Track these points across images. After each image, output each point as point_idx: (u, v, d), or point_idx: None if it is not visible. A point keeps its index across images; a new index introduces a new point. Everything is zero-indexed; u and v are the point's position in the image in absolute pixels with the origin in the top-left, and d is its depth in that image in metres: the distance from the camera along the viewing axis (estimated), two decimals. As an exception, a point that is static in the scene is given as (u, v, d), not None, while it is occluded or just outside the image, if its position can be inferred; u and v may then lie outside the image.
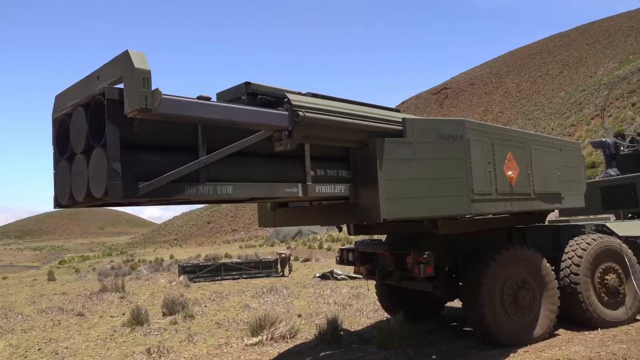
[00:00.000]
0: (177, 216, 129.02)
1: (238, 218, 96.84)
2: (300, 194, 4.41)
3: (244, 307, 10.37)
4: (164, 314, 9.82)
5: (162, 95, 3.13)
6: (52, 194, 3.86)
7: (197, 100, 3.53)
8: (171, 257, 37.71)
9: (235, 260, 21.05)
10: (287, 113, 4.09)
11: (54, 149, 3.87)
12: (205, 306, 10.90)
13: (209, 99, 3.79)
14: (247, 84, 4.27)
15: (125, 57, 3.08)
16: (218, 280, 17.09)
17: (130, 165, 3.34)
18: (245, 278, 17.36)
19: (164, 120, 3.42)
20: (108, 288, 14.73)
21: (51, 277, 22.90)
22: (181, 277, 16.54)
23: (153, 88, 3.07)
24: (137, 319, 8.86)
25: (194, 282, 16.57)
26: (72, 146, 3.61)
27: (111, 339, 7.99)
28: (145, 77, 3.00)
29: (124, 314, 10.30)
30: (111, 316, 10.40)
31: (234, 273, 17.57)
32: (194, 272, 17.29)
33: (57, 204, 3.82)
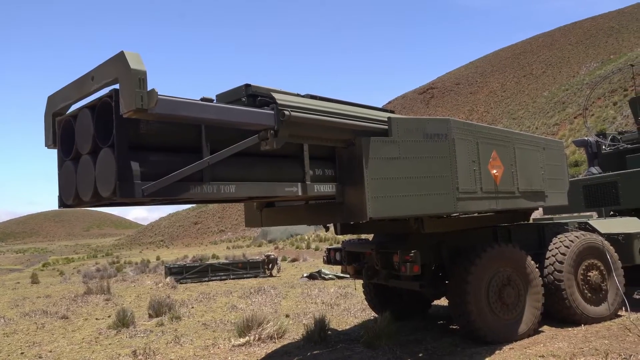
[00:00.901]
0: (163, 217, 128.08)
1: (225, 219, 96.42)
2: (300, 193, 4.51)
3: (231, 308, 10.33)
4: (150, 316, 9.73)
5: (158, 96, 3.16)
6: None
7: (190, 100, 3.55)
8: (158, 258, 37.42)
9: (222, 261, 20.97)
10: (272, 112, 4.09)
11: (57, 150, 3.92)
12: (192, 307, 10.84)
13: (211, 100, 3.88)
14: (247, 85, 4.31)
15: (120, 57, 3.10)
16: (205, 281, 17.01)
17: (138, 165, 3.41)
18: (232, 279, 17.31)
19: (159, 120, 3.46)
20: (93, 290, 14.56)
21: (35, 280, 22.58)
22: (168, 279, 16.43)
23: (148, 88, 3.10)
24: (123, 321, 8.78)
25: (181, 283, 16.46)
26: (77, 147, 3.66)
27: (96, 342, 7.89)
28: (141, 77, 3.03)
29: (109, 316, 10.19)
30: (96, 319, 10.28)
31: (222, 274, 17.51)
32: (181, 273, 17.19)
33: (62, 203, 3.88)
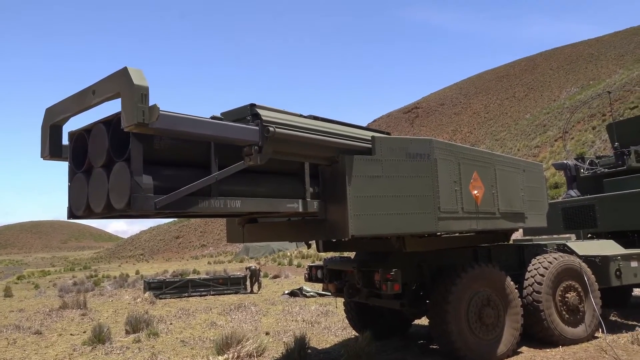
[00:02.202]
0: (144, 230, 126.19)
1: (207, 233, 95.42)
2: (301, 209, 4.70)
3: (211, 325, 10.17)
4: (127, 332, 9.52)
5: (160, 111, 3.27)
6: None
7: (186, 116, 3.66)
8: (137, 272, 36.74)
9: (203, 276, 20.69)
10: (257, 128, 4.12)
11: (69, 162, 4.09)
12: (171, 324, 10.64)
13: (221, 119, 4.14)
14: (252, 105, 4.44)
15: (124, 73, 3.20)
16: (185, 296, 16.75)
17: (150, 179, 3.59)
18: (213, 295, 17.07)
19: (158, 134, 3.58)
20: (69, 304, 14.21)
21: (8, 293, 21.93)
22: (146, 294, 16.14)
23: (141, 104, 3.17)
24: (99, 337, 8.57)
25: (160, 298, 16.18)
26: (90, 160, 3.82)
27: (70, 359, 7.68)
28: (143, 93, 3.14)
29: (84, 332, 9.95)
30: (71, 334, 10.02)
31: (202, 289, 17.26)
32: (160, 288, 16.91)
33: (72, 215, 4.03)
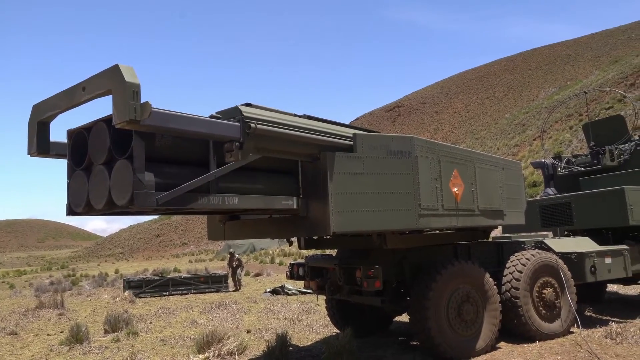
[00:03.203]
0: (124, 229, 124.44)
1: (188, 231, 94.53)
2: (295, 207, 4.83)
3: (192, 323, 10.09)
4: (106, 331, 9.38)
5: (152, 108, 3.31)
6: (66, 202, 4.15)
7: (175, 113, 3.70)
8: (116, 271, 36.24)
9: (184, 274, 20.51)
10: (238, 124, 4.10)
11: (67, 160, 4.15)
12: (151, 322, 10.53)
13: (219, 117, 4.23)
14: (247, 104, 4.51)
15: (115, 70, 3.23)
16: (165, 295, 16.60)
17: (152, 176, 3.70)
18: (194, 293, 16.96)
19: (149, 130, 3.60)
20: (45, 304, 13.93)
21: (-18, 293, 21.42)
22: (126, 293, 15.93)
23: (133, 101, 3.21)
24: (77, 337, 8.42)
25: (140, 297, 16.00)
26: (90, 158, 3.90)
27: (47, 359, 7.54)
28: (135, 90, 3.17)
29: (62, 332, 9.77)
30: (48, 334, 9.83)
31: (183, 288, 17.13)
32: (140, 287, 16.72)
33: (71, 211, 4.10)
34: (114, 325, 9.44)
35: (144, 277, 19.48)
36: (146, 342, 8.32)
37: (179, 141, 4.02)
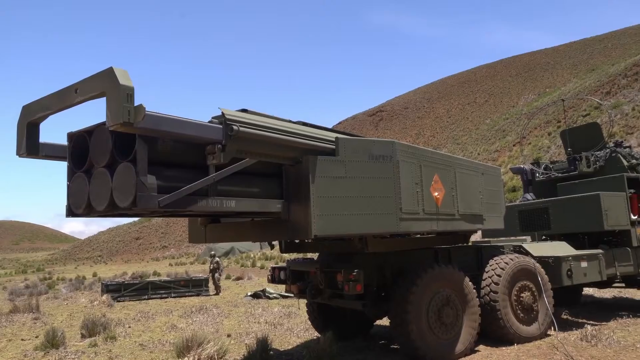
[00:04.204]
0: (102, 231, 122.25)
1: (169, 234, 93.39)
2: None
3: (171, 328, 9.97)
4: (83, 336, 9.21)
5: (146, 111, 3.36)
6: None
7: (167, 115, 3.75)
8: (94, 274, 35.61)
9: (164, 278, 20.26)
10: (221, 126, 4.09)
11: (68, 162, 4.25)
12: (129, 327, 10.37)
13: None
14: (244, 110, 4.61)
15: (109, 73, 3.26)
16: (145, 299, 16.37)
17: (154, 179, 3.81)
18: (173, 297, 16.76)
19: (143, 133, 3.65)
20: (20, 308, 13.60)
21: (-46, 297, 20.82)
22: (104, 296, 15.66)
23: (127, 104, 3.24)
24: (52, 342, 8.25)
25: (118, 301, 15.75)
26: (92, 160, 4.00)
27: (20, 364, 7.37)
28: (129, 93, 3.21)
29: (37, 337, 9.56)
30: (22, 339, 9.60)
31: (162, 292, 16.91)
32: (119, 290, 16.46)
33: (71, 213, 4.19)
34: (91, 329, 9.27)
35: (123, 280, 19.20)
36: (124, 347, 8.19)
37: (179, 145, 4.12)
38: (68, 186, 4.21)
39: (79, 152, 4.16)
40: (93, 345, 8.36)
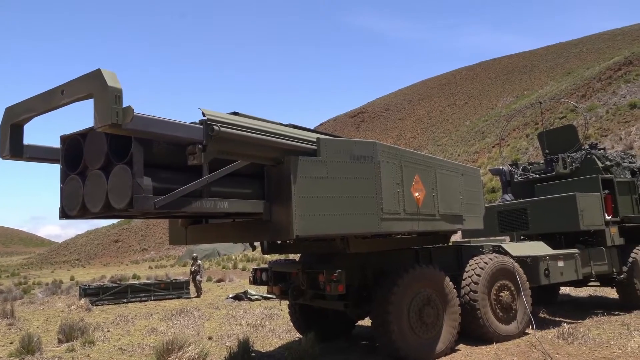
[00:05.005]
0: (80, 234, 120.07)
1: (148, 237, 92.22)
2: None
3: (151, 331, 9.83)
4: (60, 341, 9.01)
5: (134, 113, 3.38)
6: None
7: (154, 117, 3.75)
8: (72, 278, 34.90)
9: (143, 281, 19.98)
10: (201, 127, 4.06)
11: (61, 164, 4.30)
12: (108, 331, 10.19)
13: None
14: (235, 113, 4.69)
15: (97, 75, 3.27)
16: (124, 302, 16.10)
17: (150, 181, 3.87)
18: (154, 300, 16.53)
19: (130, 134, 3.65)
20: (-6, 314, 13.26)
21: None
22: (82, 300, 15.36)
23: (115, 105, 3.25)
24: (28, 348, 8.04)
25: (97, 305, 15.46)
26: (86, 163, 4.06)
27: (-6, 370, 7.18)
28: (117, 94, 3.23)
29: (11, 343, 9.32)
30: (-4, 345, 9.36)
31: (142, 295, 16.65)
32: (97, 294, 16.15)
33: (64, 215, 4.23)
34: (68, 334, 9.07)
35: (101, 284, 18.88)
36: (103, 352, 8.05)
37: (174, 147, 4.17)
38: (61, 188, 4.25)
39: (72, 154, 4.20)
40: (70, 350, 8.20)
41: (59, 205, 4.31)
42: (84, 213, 4.09)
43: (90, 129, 3.94)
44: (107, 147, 3.90)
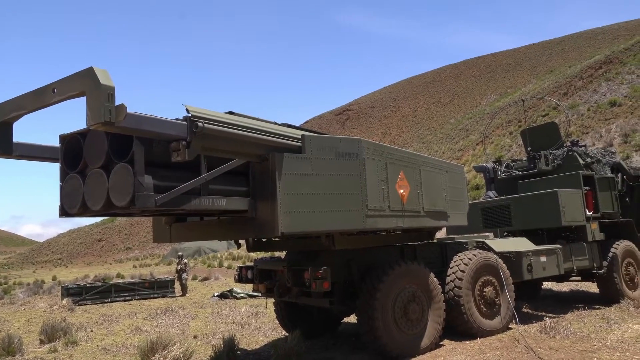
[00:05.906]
0: (62, 233, 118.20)
1: (132, 236, 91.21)
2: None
3: (135, 330, 9.74)
4: (42, 342, 8.87)
5: (127, 111, 3.39)
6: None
7: (146, 115, 3.77)
8: (54, 278, 34.38)
9: (127, 280, 19.76)
10: (185, 123, 4.02)
11: (60, 163, 4.37)
12: (91, 331, 10.07)
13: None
14: (230, 113, 4.73)
15: (89, 73, 3.28)
16: (108, 302, 15.93)
17: (150, 179, 3.96)
18: (138, 299, 16.38)
19: (123, 132, 3.66)
20: (-27, 315, 13.01)
21: None
22: (64, 300, 15.15)
23: (108, 103, 3.25)
24: (8, 349, 7.91)
25: (80, 305, 15.26)
26: (87, 162, 4.14)
27: (-26, 372, 7.04)
28: (109, 92, 3.24)
29: (-9, 344, 9.15)
30: (-25, 346, 9.17)
31: (126, 294, 16.49)
32: (80, 294, 15.95)
33: (64, 213, 4.31)
34: (50, 335, 8.93)
35: (85, 283, 18.61)
36: (86, 352, 7.95)
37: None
38: (61, 187, 4.31)
39: (71, 153, 4.26)
40: (53, 351, 8.08)
41: (58, 204, 4.37)
42: (84, 211, 4.16)
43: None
44: (108, 146, 3.97)
